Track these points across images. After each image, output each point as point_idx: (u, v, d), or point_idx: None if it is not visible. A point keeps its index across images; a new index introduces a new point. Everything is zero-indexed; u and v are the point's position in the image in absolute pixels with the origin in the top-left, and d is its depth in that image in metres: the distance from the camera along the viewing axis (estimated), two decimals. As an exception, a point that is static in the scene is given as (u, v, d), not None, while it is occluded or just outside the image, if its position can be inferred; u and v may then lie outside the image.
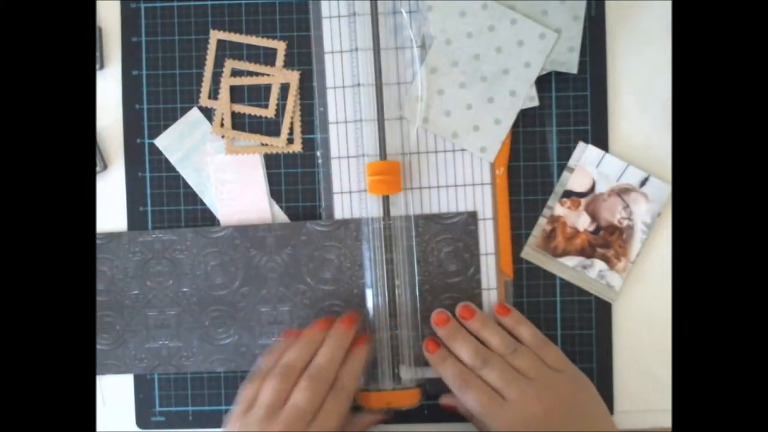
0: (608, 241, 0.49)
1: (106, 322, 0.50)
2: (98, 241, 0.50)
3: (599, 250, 0.49)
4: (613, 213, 0.49)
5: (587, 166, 0.49)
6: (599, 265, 0.49)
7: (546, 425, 0.42)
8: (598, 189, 0.49)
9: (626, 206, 0.49)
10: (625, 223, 0.49)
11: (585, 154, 0.49)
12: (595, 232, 0.49)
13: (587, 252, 0.49)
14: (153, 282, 0.50)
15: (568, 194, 0.49)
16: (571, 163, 0.50)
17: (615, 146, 0.50)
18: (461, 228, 0.49)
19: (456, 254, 0.49)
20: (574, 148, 0.50)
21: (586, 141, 0.50)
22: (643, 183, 0.49)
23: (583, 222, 0.49)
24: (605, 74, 0.50)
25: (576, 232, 0.49)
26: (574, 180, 0.49)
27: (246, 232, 0.50)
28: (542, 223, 0.50)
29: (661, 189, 0.49)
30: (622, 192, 0.49)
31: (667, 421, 0.50)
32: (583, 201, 0.49)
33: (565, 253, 0.49)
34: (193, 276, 0.50)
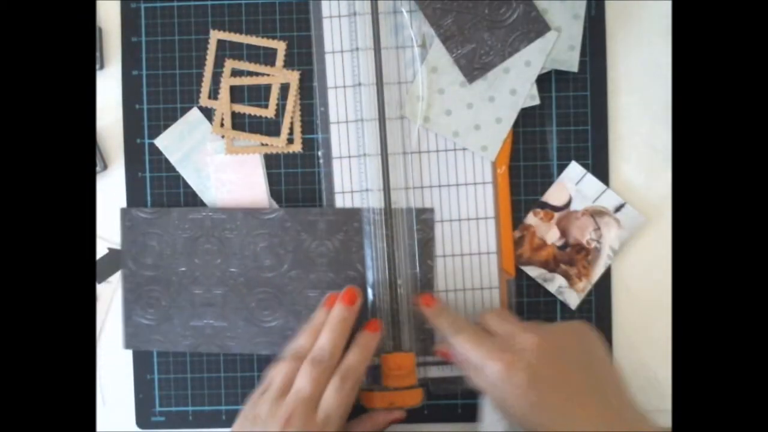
0: (573, 259, 0.49)
1: (152, 296, 0.50)
2: (148, 216, 0.50)
3: (562, 266, 0.49)
4: (583, 232, 0.49)
5: (567, 182, 0.49)
6: (560, 280, 0.49)
7: (542, 373, 0.40)
8: (573, 206, 0.49)
9: (597, 228, 0.49)
10: (593, 244, 0.49)
11: (567, 168, 0.49)
12: (562, 248, 0.49)
13: (550, 266, 0.49)
14: (201, 260, 0.50)
15: (542, 205, 0.50)
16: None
17: (615, 146, 0.50)
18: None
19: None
20: (574, 147, 0.50)
21: (586, 141, 0.50)
22: (618, 209, 0.49)
23: (552, 236, 0.49)
24: (605, 74, 0.50)
25: (543, 244, 0.49)
26: (552, 192, 0.49)
27: (297, 215, 0.49)
28: None
29: (635, 218, 0.49)
30: (596, 214, 0.49)
31: (667, 421, 0.50)
32: (556, 215, 0.49)
33: (529, 262, 0.49)
34: (241, 256, 0.49)
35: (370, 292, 0.49)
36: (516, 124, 0.49)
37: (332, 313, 0.45)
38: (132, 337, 0.50)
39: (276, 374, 0.43)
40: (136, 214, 0.50)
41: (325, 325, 0.45)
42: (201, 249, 0.49)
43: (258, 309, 0.49)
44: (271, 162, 0.51)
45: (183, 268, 0.50)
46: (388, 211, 0.49)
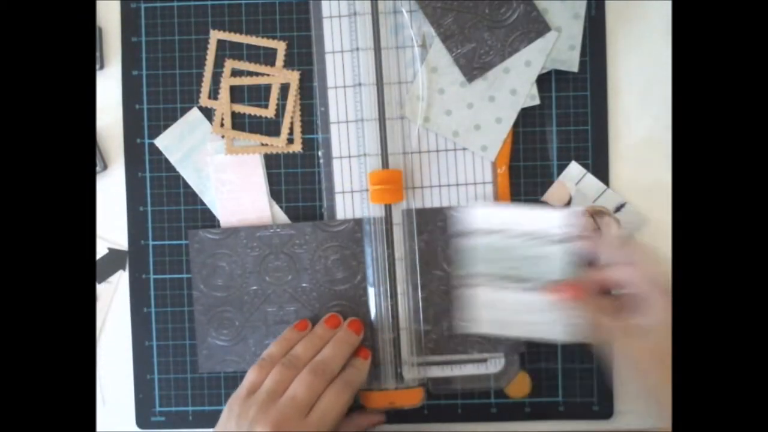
0: None
1: (225, 317, 0.50)
2: (216, 237, 0.49)
3: None
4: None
5: (567, 181, 0.49)
6: None
7: None
8: (573, 206, 0.49)
9: (597, 228, 0.49)
10: None
11: (567, 168, 0.49)
12: None
13: None
14: (271, 277, 0.49)
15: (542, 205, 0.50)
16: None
17: (615, 146, 0.50)
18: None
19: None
20: (574, 147, 0.50)
21: (586, 141, 0.50)
22: (618, 209, 0.49)
23: None
24: (605, 74, 0.50)
25: None
26: (552, 192, 0.49)
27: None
28: None
29: (635, 218, 0.49)
30: (595, 214, 0.49)
31: (667, 421, 0.50)
32: None
33: None
34: (312, 271, 0.49)
35: (371, 292, 0.49)
36: (516, 124, 0.49)
37: (340, 334, 0.46)
38: (207, 359, 0.50)
39: (263, 378, 0.44)
40: (204, 235, 0.50)
41: (332, 341, 0.46)
42: (271, 267, 0.49)
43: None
44: (271, 162, 0.51)
45: (254, 287, 0.49)
46: (388, 212, 0.49)
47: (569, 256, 0.46)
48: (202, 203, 0.51)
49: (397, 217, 0.49)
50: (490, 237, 0.47)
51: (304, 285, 0.49)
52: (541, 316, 0.47)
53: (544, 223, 0.46)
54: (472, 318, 0.47)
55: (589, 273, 0.45)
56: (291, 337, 0.46)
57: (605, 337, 0.43)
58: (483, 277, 0.47)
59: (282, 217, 0.51)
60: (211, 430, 0.44)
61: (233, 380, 0.51)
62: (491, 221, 0.47)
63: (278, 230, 0.49)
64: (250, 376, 0.44)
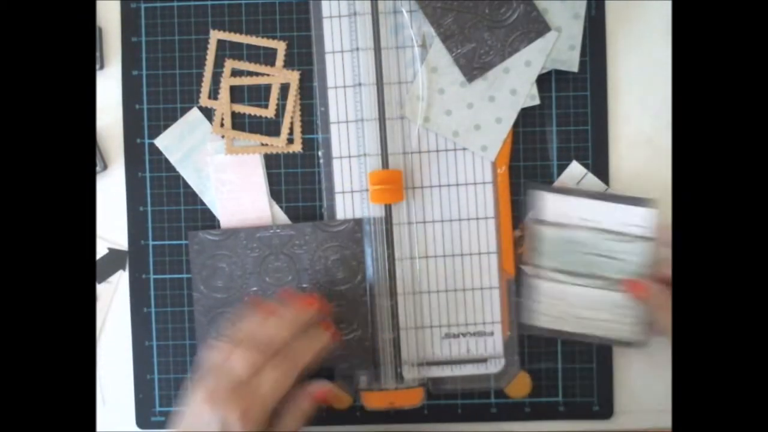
0: None
1: (226, 319, 0.49)
2: (216, 238, 0.49)
3: None
4: None
5: (568, 181, 0.49)
6: None
7: None
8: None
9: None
10: None
11: (568, 168, 0.49)
12: None
13: None
14: (272, 278, 0.49)
15: None
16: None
17: (615, 146, 0.50)
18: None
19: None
20: (574, 147, 0.50)
21: (586, 141, 0.50)
22: None
23: None
24: (605, 74, 0.50)
25: None
26: None
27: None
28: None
29: None
30: None
31: (667, 421, 0.50)
32: None
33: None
34: (312, 271, 0.49)
35: (371, 291, 0.49)
36: (516, 124, 0.49)
37: (285, 309, 0.44)
38: None
39: (209, 357, 0.42)
40: (204, 236, 0.49)
41: (275, 316, 0.43)
42: (271, 267, 0.49)
43: (334, 323, 0.48)
44: (271, 162, 0.51)
45: (255, 288, 0.49)
46: (388, 212, 0.49)
47: (643, 255, 0.47)
48: (202, 203, 0.51)
49: (397, 217, 0.49)
50: (562, 230, 0.48)
51: (304, 285, 0.49)
52: (608, 314, 0.47)
53: (620, 219, 0.47)
54: (535, 310, 0.48)
55: (662, 270, 0.46)
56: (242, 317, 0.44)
57: (660, 332, 0.45)
58: (550, 271, 0.48)
59: (282, 218, 0.51)
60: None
61: (233, 380, 0.51)
62: (565, 212, 0.48)
63: (278, 231, 0.49)
64: (206, 360, 0.42)
